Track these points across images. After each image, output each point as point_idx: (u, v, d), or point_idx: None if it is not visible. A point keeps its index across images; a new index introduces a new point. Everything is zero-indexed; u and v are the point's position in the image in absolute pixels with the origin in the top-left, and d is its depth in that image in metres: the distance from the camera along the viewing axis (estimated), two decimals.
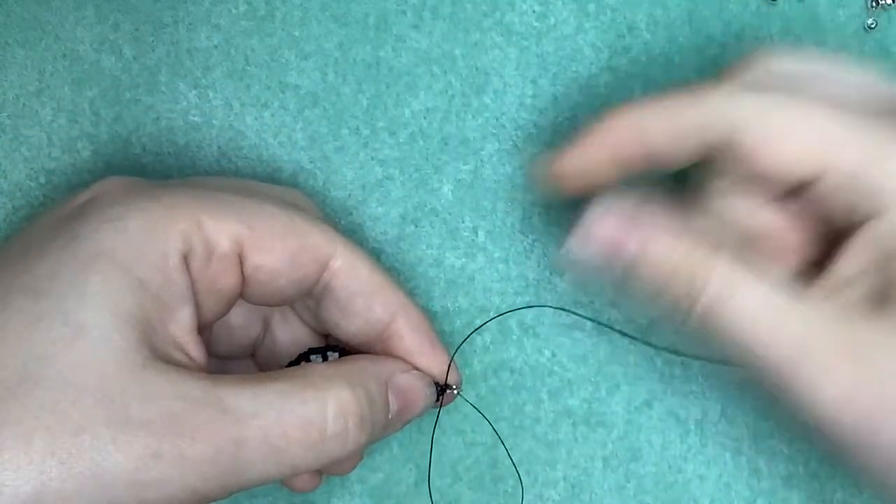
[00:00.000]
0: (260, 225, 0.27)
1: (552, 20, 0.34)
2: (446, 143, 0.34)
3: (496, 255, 0.34)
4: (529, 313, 0.34)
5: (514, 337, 0.34)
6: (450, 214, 0.34)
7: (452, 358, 0.30)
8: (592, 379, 0.34)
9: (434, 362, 0.29)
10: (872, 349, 0.25)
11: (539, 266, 0.34)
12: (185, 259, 0.26)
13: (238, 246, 0.27)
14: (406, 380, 0.28)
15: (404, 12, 0.34)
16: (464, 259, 0.34)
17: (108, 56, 0.34)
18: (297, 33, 0.34)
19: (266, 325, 0.31)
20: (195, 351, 0.26)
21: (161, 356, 0.24)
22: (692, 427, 0.34)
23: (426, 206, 0.34)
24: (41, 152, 0.34)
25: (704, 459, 0.34)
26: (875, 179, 0.26)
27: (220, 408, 0.24)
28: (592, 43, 0.34)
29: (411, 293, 0.34)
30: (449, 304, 0.34)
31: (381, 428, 0.27)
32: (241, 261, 0.27)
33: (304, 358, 0.29)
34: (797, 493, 0.34)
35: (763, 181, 0.27)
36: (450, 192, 0.34)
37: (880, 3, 0.34)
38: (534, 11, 0.34)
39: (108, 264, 0.24)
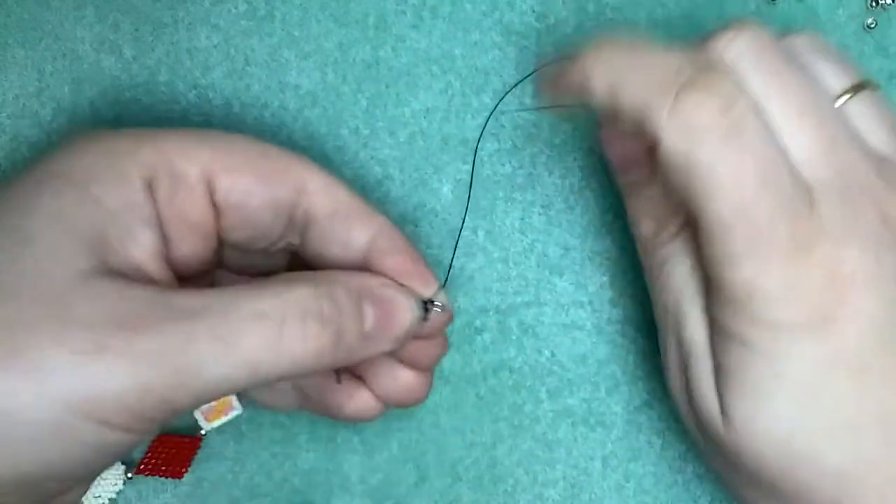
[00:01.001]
0: (229, 149, 0.27)
1: (552, 20, 0.34)
2: (446, 143, 0.34)
3: (495, 254, 0.34)
4: (529, 313, 0.34)
5: (514, 337, 0.34)
6: (449, 214, 0.34)
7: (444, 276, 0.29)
8: (592, 379, 0.34)
9: (419, 281, 0.28)
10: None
11: (538, 266, 0.34)
12: (150, 186, 0.25)
13: (207, 173, 0.26)
14: (383, 290, 0.27)
15: (404, 12, 0.34)
16: (463, 259, 0.34)
17: (107, 56, 0.34)
18: (296, 33, 0.34)
19: None
20: (159, 275, 0.25)
21: (114, 271, 0.24)
22: None
23: (426, 206, 0.34)
24: (41, 152, 0.34)
25: (704, 459, 0.34)
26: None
27: (168, 306, 0.23)
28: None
29: None
30: None
31: (357, 337, 0.26)
32: (211, 191, 0.26)
33: None
34: None
35: None
36: (449, 192, 0.34)
37: (880, 2, 0.34)
38: (533, 11, 0.34)
39: (62, 182, 0.25)
